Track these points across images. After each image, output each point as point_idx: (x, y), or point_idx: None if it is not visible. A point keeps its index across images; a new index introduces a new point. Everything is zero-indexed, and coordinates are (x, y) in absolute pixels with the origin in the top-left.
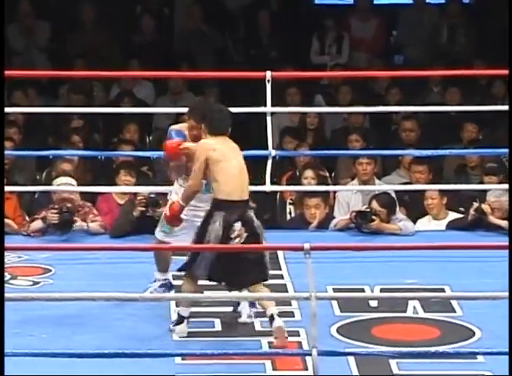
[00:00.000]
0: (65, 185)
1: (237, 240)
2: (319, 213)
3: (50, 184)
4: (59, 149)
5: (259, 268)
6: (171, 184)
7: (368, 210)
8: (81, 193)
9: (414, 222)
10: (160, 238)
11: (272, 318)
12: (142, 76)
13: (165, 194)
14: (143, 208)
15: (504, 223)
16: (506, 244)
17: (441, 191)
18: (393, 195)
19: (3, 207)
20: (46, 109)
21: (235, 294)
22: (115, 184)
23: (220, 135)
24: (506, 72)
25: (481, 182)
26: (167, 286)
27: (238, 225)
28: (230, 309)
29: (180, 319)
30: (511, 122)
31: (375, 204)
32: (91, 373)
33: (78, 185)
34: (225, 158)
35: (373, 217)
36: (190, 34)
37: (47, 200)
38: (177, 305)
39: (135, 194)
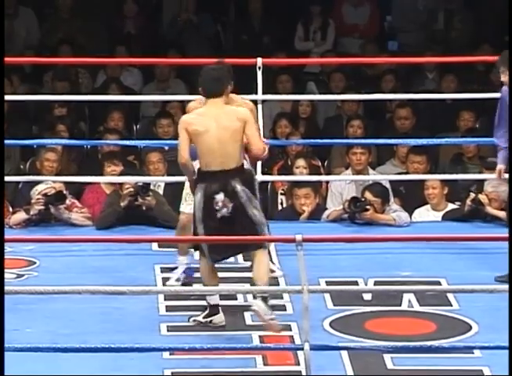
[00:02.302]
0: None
1: (224, 210)
2: (310, 203)
3: (34, 174)
4: (43, 138)
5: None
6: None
7: (362, 199)
8: (66, 184)
9: (410, 212)
10: (188, 211)
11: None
12: (129, 63)
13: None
14: (131, 197)
15: (502, 214)
16: (504, 235)
17: (442, 181)
18: (387, 185)
19: (3, 206)
20: (30, 96)
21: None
22: (101, 174)
23: (212, 97)
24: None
25: (479, 173)
26: (191, 270)
27: (220, 197)
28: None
29: (214, 309)
30: (511, 110)
31: (368, 195)
32: (77, 368)
33: (63, 175)
34: (203, 130)
35: (367, 207)
36: (179, 21)
37: (28, 193)
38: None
39: (121, 184)
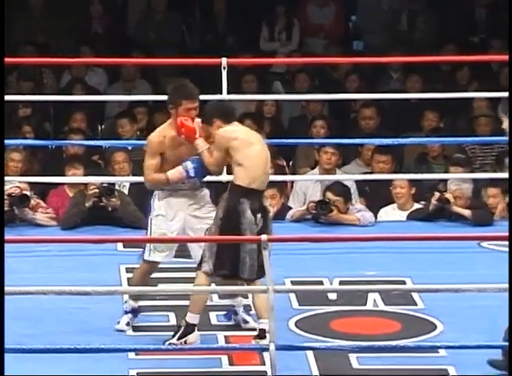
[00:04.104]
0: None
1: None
2: (275, 204)
3: None
4: (8, 138)
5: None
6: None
7: (327, 200)
8: (30, 186)
9: (375, 212)
10: (151, 259)
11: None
12: (94, 63)
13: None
14: (96, 198)
15: (467, 212)
16: (469, 234)
17: (409, 181)
18: (349, 184)
19: (3, 205)
20: None
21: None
22: (66, 175)
23: (234, 121)
24: (469, 58)
25: (444, 172)
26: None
27: (259, 217)
28: (184, 302)
29: (191, 328)
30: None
31: (330, 195)
32: (41, 369)
33: (27, 176)
34: (251, 144)
35: (332, 207)
36: (145, 21)
37: None
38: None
39: (86, 185)
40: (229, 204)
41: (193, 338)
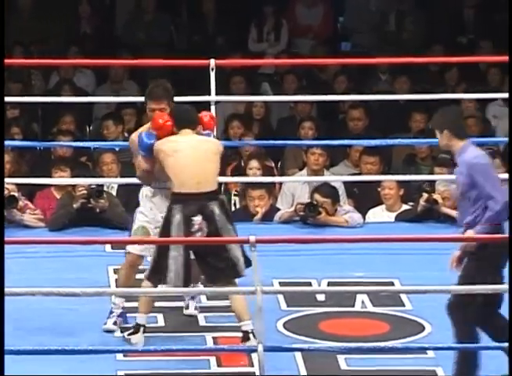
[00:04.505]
0: None
1: (199, 233)
2: (264, 205)
3: None
4: None
5: (230, 264)
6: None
7: (315, 203)
8: (18, 187)
9: (364, 213)
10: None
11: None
12: (82, 64)
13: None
14: (84, 200)
15: (455, 213)
16: (457, 235)
17: (397, 182)
18: (337, 185)
19: (3, 205)
20: None
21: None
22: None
23: (185, 128)
24: (458, 59)
25: (431, 173)
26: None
27: (198, 219)
28: (173, 303)
29: (137, 328)
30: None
31: (317, 197)
32: (29, 370)
33: (15, 177)
34: (176, 152)
35: (320, 209)
36: (133, 21)
37: None
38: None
39: (74, 186)
40: (166, 213)
41: (136, 338)
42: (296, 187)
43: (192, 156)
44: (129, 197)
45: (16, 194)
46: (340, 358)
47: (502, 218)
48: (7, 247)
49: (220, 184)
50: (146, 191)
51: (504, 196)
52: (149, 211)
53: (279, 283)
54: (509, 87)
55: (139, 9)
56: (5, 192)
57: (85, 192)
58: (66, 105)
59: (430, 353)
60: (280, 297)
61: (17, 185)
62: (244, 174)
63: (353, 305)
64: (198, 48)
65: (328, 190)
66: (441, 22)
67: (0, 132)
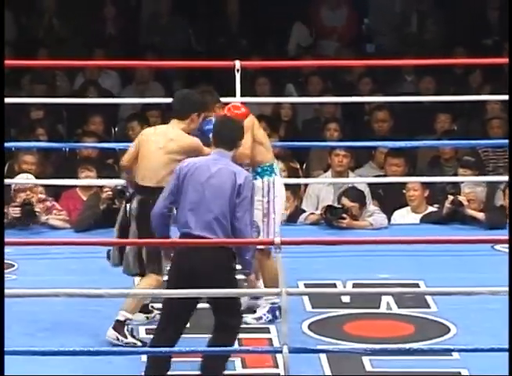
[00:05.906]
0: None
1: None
2: (289, 206)
3: (12, 177)
4: (21, 140)
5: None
6: None
7: (339, 206)
8: (44, 188)
9: (389, 214)
10: None
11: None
12: (107, 65)
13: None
14: (110, 201)
15: (480, 215)
16: (482, 237)
17: (422, 184)
18: (363, 188)
19: (3, 205)
20: (8, 99)
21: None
22: (79, 177)
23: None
24: (483, 61)
25: (455, 175)
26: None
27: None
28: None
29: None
30: (511, 119)
31: (345, 201)
32: (55, 371)
33: (41, 178)
34: (145, 143)
35: (343, 215)
36: (158, 24)
37: (8, 196)
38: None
39: (101, 187)
40: None
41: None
42: (321, 189)
43: (149, 149)
44: None
45: (37, 210)
46: (365, 360)
47: None
48: (33, 248)
49: None
50: None
51: None
52: None
53: (304, 284)
54: (509, 87)
55: (164, 10)
56: (33, 195)
57: (111, 193)
58: (92, 106)
59: (456, 355)
60: (305, 298)
61: (43, 186)
62: None
63: (378, 307)
64: (222, 49)
65: (356, 194)
66: (462, 23)
67: (0, 131)
